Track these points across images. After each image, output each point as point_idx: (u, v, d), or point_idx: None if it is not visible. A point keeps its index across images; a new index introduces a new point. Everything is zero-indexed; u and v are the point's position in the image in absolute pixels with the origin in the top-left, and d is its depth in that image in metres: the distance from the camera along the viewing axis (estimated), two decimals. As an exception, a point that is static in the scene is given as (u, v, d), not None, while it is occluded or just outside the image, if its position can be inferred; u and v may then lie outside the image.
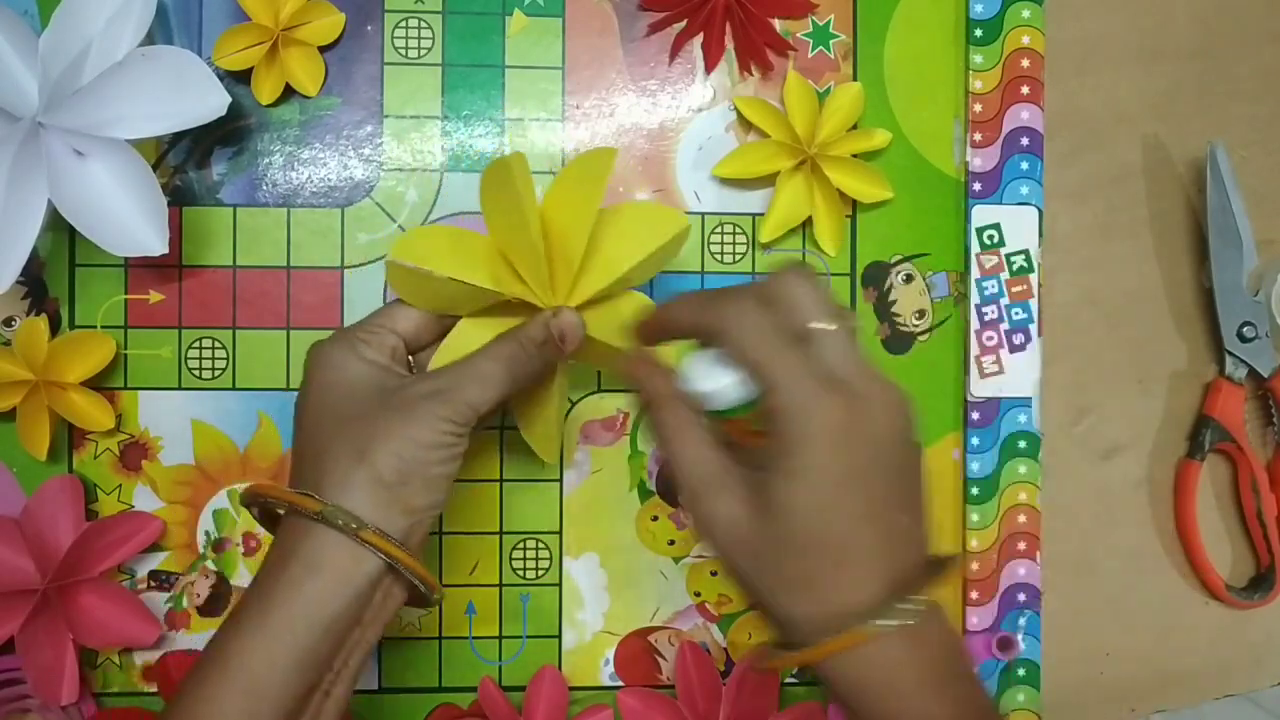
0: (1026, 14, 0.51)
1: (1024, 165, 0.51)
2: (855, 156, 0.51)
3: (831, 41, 0.52)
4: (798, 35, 0.52)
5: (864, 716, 0.35)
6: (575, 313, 0.42)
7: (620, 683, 0.51)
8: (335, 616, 0.36)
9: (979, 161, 0.51)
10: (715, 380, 0.37)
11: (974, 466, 0.51)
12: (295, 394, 0.48)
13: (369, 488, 0.37)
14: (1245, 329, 0.53)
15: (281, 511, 0.39)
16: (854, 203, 0.52)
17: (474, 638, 0.51)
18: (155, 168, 0.49)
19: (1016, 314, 0.51)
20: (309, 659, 0.36)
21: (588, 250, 0.43)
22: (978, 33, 0.51)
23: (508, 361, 0.40)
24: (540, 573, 0.51)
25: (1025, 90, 0.51)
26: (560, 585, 0.51)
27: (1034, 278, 0.51)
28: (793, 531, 0.34)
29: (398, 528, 0.37)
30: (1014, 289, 0.51)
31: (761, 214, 0.51)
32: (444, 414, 0.38)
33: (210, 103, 0.44)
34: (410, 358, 0.44)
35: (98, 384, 0.48)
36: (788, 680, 0.52)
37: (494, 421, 0.50)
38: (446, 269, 0.41)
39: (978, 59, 0.51)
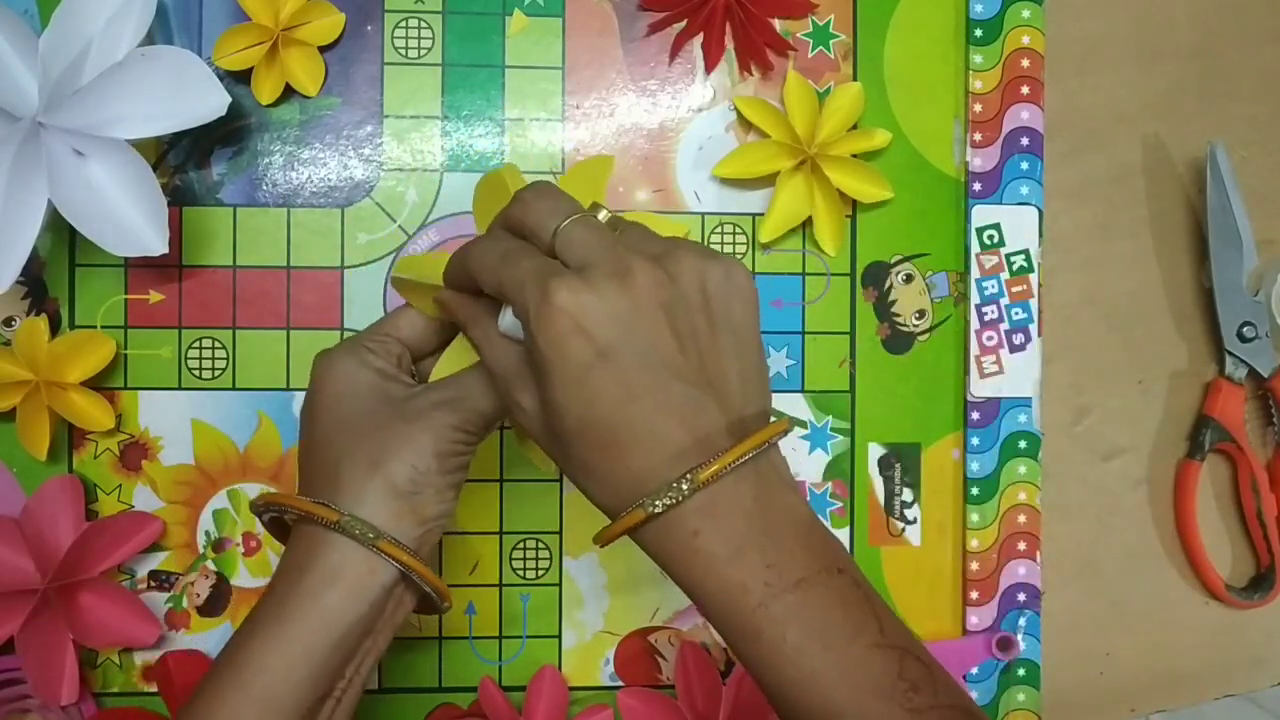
0: (1026, 14, 0.51)
1: (1024, 165, 0.51)
2: (855, 156, 0.51)
3: (831, 41, 0.52)
4: (798, 35, 0.52)
5: (679, 584, 0.34)
6: None
7: (620, 683, 0.51)
8: (351, 626, 0.37)
9: (979, 161, 0.51)
10: (508, 313, 0.37)
11: (974, 466, 0.51)
12: (295, 394, 0.49)
13: (383, 497, 0.37)
14: (1245, 329, 0.53)
15: (292, 520, 0.39)
16: (854, 203, 0.52)
17: (474, 638, 0.51)
18: (155, 168, 0.49)
19: (1016, 314, 0.51)
20: (324, 668, 0.36)
21: None
22: (978, 33, 0.51)
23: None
24: (540, 573, 0.51)
25: (1025, 90, 0.51)
26: (560, 585, 0.51)
27: (1034, 278, 0.51)
28: (561, 425, 0.34)
29: (411, 537, 0.38)
30: (1014, 289, 0.51)
31: (761, 214, 0.51)
32: (454, 423, 0.38)
33: (210, 103, 0.44)
34: (414, 365, 0.44)
35: (98, 384, 0.48)
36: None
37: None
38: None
39: (978, 59, 0.51)
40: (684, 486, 0.33)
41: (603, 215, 0.36)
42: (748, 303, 0.36)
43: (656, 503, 0.33)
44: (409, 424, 0.38)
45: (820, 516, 0.52)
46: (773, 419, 0.36)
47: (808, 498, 0.52)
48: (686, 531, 0.33)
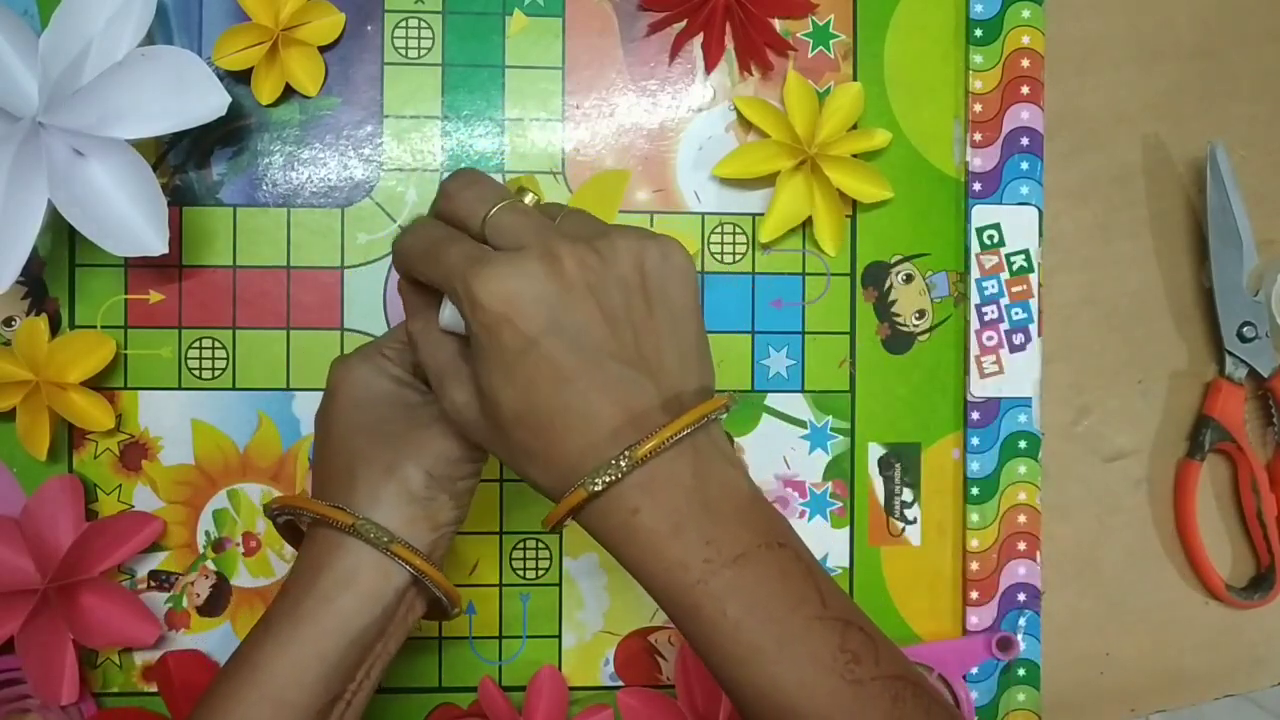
0: (1026, 14, 0.51)
1: (1024, 165, 0.51)
2: (855, 156, 0.51)
3: (831, 41, 0.52)
4: (798, 35, 0.52)
5: (622, 564, 0.35)
6: None
7: (620, 683, 0.51)
8: (364, 630, 0.37)
9: (979, 161, 0.51)
10: (448, 306, 0.37)
11: (974, 466, 0.51)
12: (295, 394, 0.49)
13: (398, 502, 0.37)
14: (1245, 329, 0.53)
15: (306, 524, 0.40)
16: (854, 203, 0.52)
17: (474, 638, 0.51)
18: (155, 168, 0.49)
19: (1016, 314, 0.51)
20: (336, 671, 0.37)
21: None
22: (978, 33, 0.51)
23: None
24: (540, 573, 0.51)
25: (1025, 90, 0.51)
26: (560, 585, 0.51)
27: (1034, 278, 0.51)
28: (498, 413, 0.34)
29: (425, 542, 0.38)
30: (1014, 289, 0.51)
31: (761, 214, 0.51)
32: None
33: (210, 103, 0.44)
34: None
35: (98, 384, 0.48)
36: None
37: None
38: None
39: (978, 59, 0.51)
40: (622, 464, 0.33)
41: (529, 199, 0.37)
42: (685, 281, 0.36)
43: (596, 481, 0.33)
44: (423, 430, 0.38)
45: (821, 516, 0.52)
46: (717, 396, 0.36)
47: (808, 498, 0.52)
48: (626, 509, 0.34)
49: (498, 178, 0.50)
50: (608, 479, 0.33)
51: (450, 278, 0.34)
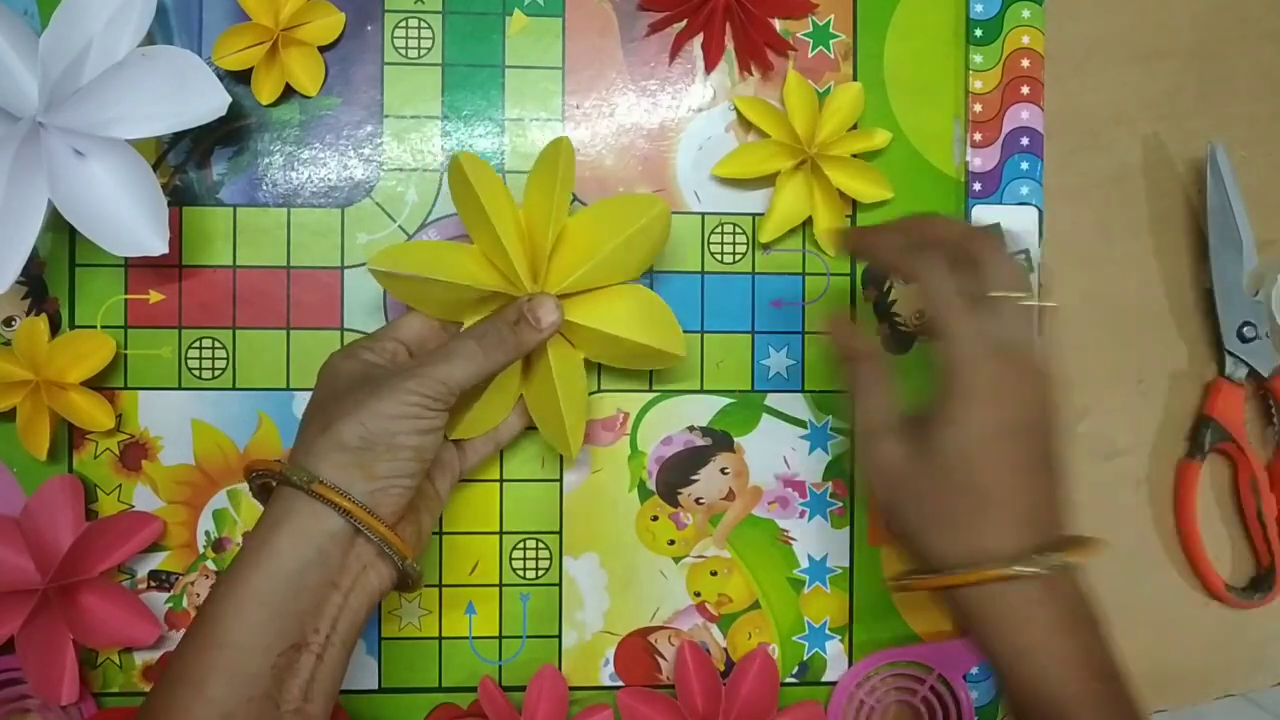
0: (1026, 14, 0.51)
1: (1024, 165, 0.51)
2: (855, 156, 0.51)
3: (831, 41, 0.52)
4: (798, 35, 0.52)
5: (993, 648, 0.39)
6: (551, 296, 0.44)
7: (620, 683, 0.51)
8: (299, 570, 0.38)
9: (979, 161, 0.51)
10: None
11: (974, 466, 0.51)
12: (295, 394, 0.50)
13: (330, 452, 0.39)
14: (1245, 329, 0.53)
15: (260, 483, 0.42)
16: (854, 203, 0.52)
17: (474, 638, 0.51)
18: (155, 168, 0.49)
19: (1016, 314, 0.51)
20: (282, 615, 0.37)
21: (567, 242, 0.45)
22: (978, 33, 0.51)
23: (480, 338, 0.42)
24: (540, 573, 0.51)
25: (1025, 90, 0.51)
26: (560, 585, 0.51)
27: (1034, 278, 0.51)
28: (946, 472, 0.39)
29: (359, 491, 0.39)
30: (1014, 289, 0.51)
31: (761, 214, 0.51)
32: (411, 386, 0.40)
33: (210, 103, 0.44)
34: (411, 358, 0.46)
35: (98, 384, 0.48)
36: (787, 680, 0.52)
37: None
38: (426, 271, 0.43)
39: (978, 59, 0.51)
40: (1047, 559, 0.38)
41: (1030, 297, 0.41)
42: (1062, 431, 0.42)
43: (1023, 568, 0.38)
44: (366, 389, 0.40)
45: (821, 516, 0.52)
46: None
47: (808, 498, 0.52)
48: (1025, 599, 0.38)
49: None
50: (1026, 569, 0.38)
51: (965, 340, 0.39)
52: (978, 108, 0.51)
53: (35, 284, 0.49)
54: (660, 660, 0.51)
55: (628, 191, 0.51)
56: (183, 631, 0.49)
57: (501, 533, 0.51)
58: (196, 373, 0.49)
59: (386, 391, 0.39)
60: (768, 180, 0.51)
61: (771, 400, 0.52)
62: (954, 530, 0.39)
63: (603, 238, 0.44)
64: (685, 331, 0.51)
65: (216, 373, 0.50)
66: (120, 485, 0.49)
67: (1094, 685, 0.38)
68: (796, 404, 0.52)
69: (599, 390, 0.51)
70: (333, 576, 0.39)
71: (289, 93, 0.49)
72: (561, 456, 0.50)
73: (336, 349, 0.49)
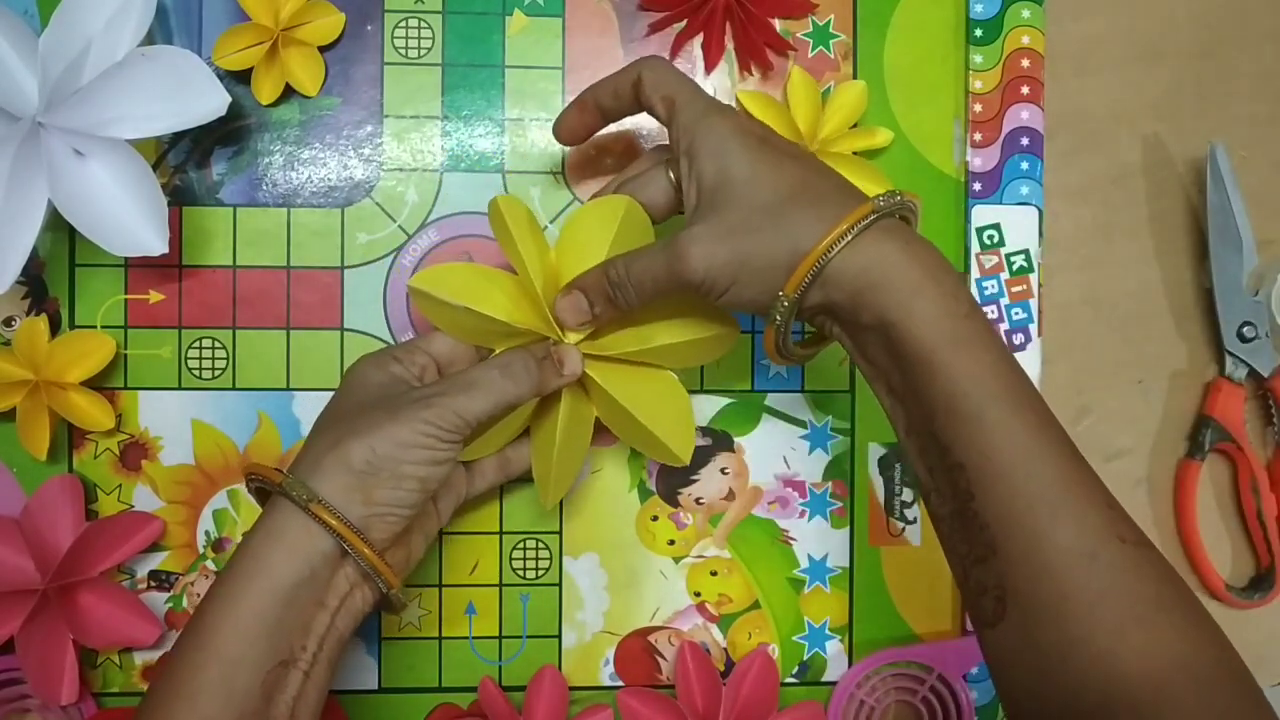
0: (1026, 14, 0.51)
1: (1024, 165, 0.51)
2: (856, 154, 0.51)
3: (831, 41, 0.52)
4: (798, 35, 0.52)
5: (877, 311, 0.37)
6: (577, 350, 0.43)
7: (620, 683, 0.51)
8: (292, 586, 0.38)
9: (979, 161, 0.51)
10: None
11: (974, 466, 0.51)
12: (295, 394, 0.50)
13: (334, 472, 0.38)
14: (1245, 329, 0.53)
15: (258, 488, 0.42)
16: (854, 203, 0.52)
17: (474, 638, 0.51)
18: (155, 168, 0.49)
19: (1016, 314, 0.51)
20: (274, 628, 0.37)
21: (563, 271, 0.44)
22: (978, 33, 0.51)
23: (501, 370, 0.41)
24: (540, 573, 0.51)
25: (1025, 90, 0.51)
26: (560, 585, 0.51)
27: (1034, 278, 0.51)
28: (753, 193, 0.39)
29: (355, 514, 0.38)
30: (1014, 289, 0.51)
31: (761, 214, 0.51)
32: (427, 416, 0.39)
33: (210, 103, 0.44)
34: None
35: (98, 384, 0.48)
36: (787, 680, 0.52)
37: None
38: (464, 300, 0.42)
39: (978, 59, 0.51)
40: (898, 198, 0.38)
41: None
42: None
43: (878, 202, 0.38)
44: (383, 412, 0.39)
45: (821, 516, 0.52)
46: None
47: (808, 498, 0.52)
48: (884, 253, 0.37)
49: (497, 178, 0.50)
50: (892, 204, 0.38)
51: (694, 94, 0.41)
52: (978, 108, 0.51)
53: (35, 284, 0.49)
54: (660, 660, 0.51)
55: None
56: (178, 632, 0.49)
57: (501, 533, 0.51)
58: (196, 373, 0.49)
59: (403, 418, 0.39)
60: (768, 180, 0.51)
61: (771, 400, 0.52)
62: (781, 225, 0.38)
63: (587, 256, 0.44)
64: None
65: (216, 373, 0.50)
66: (120, 485, 0.49)
67: (971, 323, 0.37)
68: (796, 404, 0.52)
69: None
70: (321, 595, 0.39)
71: (289, 93, 0.49)
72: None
73: (348, 351, 0.49)
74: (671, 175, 0.43)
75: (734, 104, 0.51)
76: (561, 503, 0.51)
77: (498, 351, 0.45)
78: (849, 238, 0.37)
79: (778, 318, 0.39)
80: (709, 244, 0.39)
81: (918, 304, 0.37)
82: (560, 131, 0.46)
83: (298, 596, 0.38)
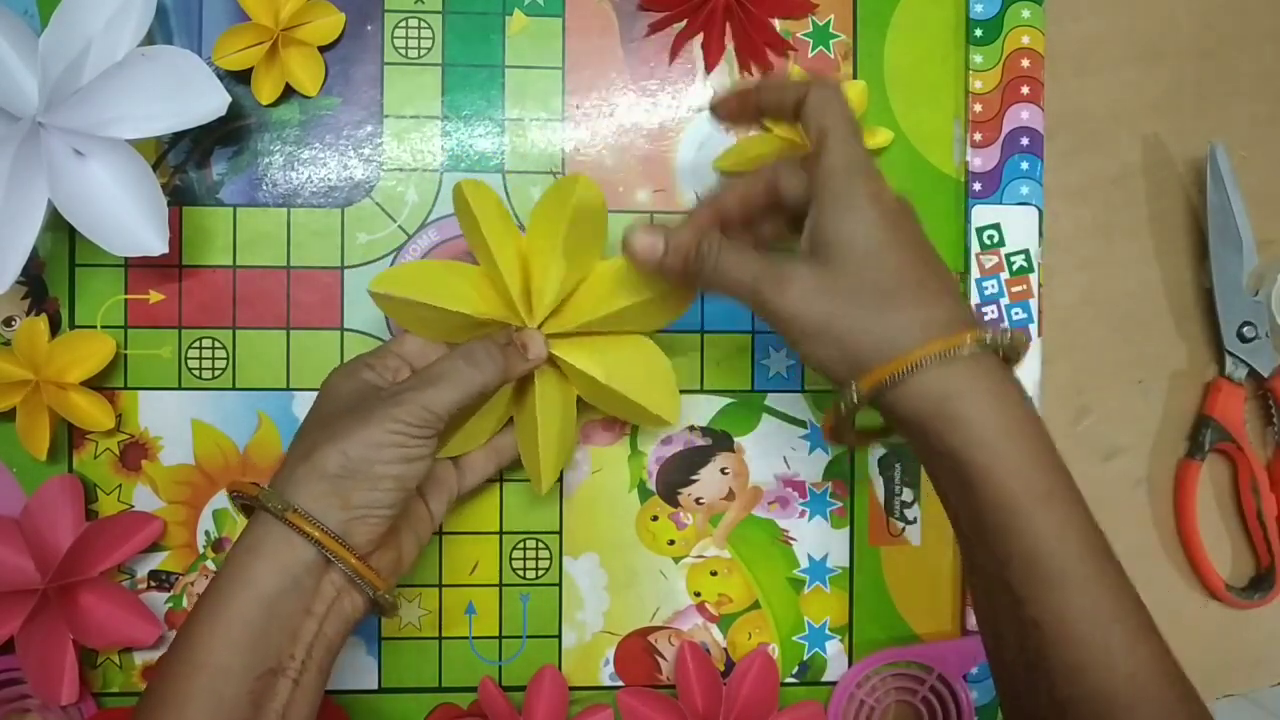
0: (1026, 14, 0.51)
1: (1024, 165, 0.51)
2: (855, 156, 0.51)
3: (831, 41, 0.52)
4: (798, 35, 0.52)
5: (946, 443, 0.36)
6: (540, 333, 0.44)
7: (620, 683, 0.51)
8: (276, 597, 0.38)
9: (979, 161, 0.51)
10: None
11: (974, 466, 0.51)
12: (295, 394, 0.50)
13: (308, 480, 0.39)
14: (1245, 329, 0.53)
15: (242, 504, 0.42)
16: (854, 203, 0.52)
17: (474, 638, 0.51)
18: (155, 168, 0.49)
19: (1016, 314, 0.51)
20: (260, 639, 0.37)
21: (589, 287, 0.44)
22: (978, 33, 0.51)
23: (465, 360, 0.41)
24: (540, 573, 0.51)
25: (1025, 90, 0.51)
26: (560, 585, 0.51)
27: (1034, 278, 0.51)
28: (860, 270, 0.37)
29: (334, 520, 0.39)
30: (1014, 289, 0.51)
31: (761, 214, 0.51)
32: (396, 414, 0.39)
33: (210, 103, 0.44)
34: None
35: (98, 384, 0.48)
36: (787, 680, 0.52)
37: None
38: (423, 296, 0.42)
39: (978, 59, 0.51)
40: (986, 338, 0.37)
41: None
42: None
43: (974, 334, 0.36)
44: (354, 416, 0.39)
45: (821, 516, 0.52)
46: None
47: (808, 498, 0.52)
48: (976, 375, 0.36)
49: (498, 178, 0.50)
50: (983, 334, 0.37)
51: (848, 144, 0.39)
52: (978, 108, 0.51)
53: (35, 284, 0.49)
54: (660, 660, 0.51)
55: (627, 192, 0.51)
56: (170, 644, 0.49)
57: (501, 533, 0.51)
58: (196, 373, 0.49)
59: (373, 419, 0.39)
60: (768, 180, 0.51)
61: (771, 400, 0.52)
62: (886, 314, 0.37)
63: (621, 295, 0.44)
64: (685, 331, 0.51)
65: (216, 373, 0.50)
66: (120, 485, 0.49)
67: (1057, 476, 0.36)
68: (796, 404, 0.52)
69: (599, 390, 0.51)
70: (307, 604, 0.39)
71: (289, 93, 0.49)
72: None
73: (348, 351, 0.49)
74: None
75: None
76: (561, 503, 0.51)
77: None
78: (951, 355, 0.36)
79: (843, 406, 0.38)
80: (812, 290, 0.38)
81: (1008, 448, 0.36)
82: (717, 107, 0.44)
83: (283, 605, 0.38)
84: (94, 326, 0.49)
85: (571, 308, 0.44)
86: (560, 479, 0.51)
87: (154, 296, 0.49)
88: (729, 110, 0.44)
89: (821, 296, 0.38)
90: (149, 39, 0.46)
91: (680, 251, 0.41)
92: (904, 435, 0.39)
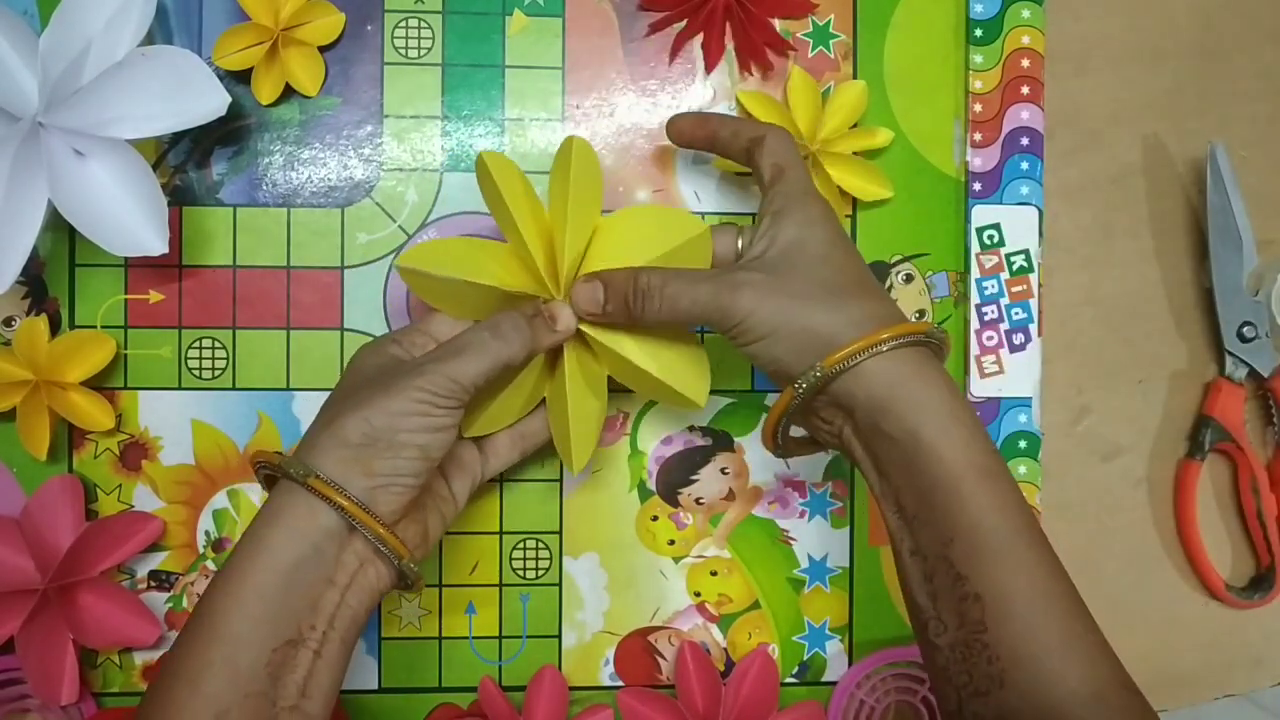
0: (1026, 14, 0.51)
1: (1024, 165, 0.51)
2: (856, 154, 0.51)
3: (831, 41, 0.52)
4: (798, 35, 0.52)
5: (890, 426, 0.38)
6: (569, 305, 0.43)
7: (620, 683, 0.51)
8: (294, 563, 0.38)
9: (979, 161, 0.51)
10: None
11: (974, 466, 0.51)
12: (295, 394, 0.50)
13: (331, 448, 0.39)
14: (1245, 329, 0.53)
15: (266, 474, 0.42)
16: (854, 201, 0.52)
17: (474, 638, 0.51)
18: (155, 168, 0.49)
19: (1016, 314, 0.51)
20: (279, 609, 0.37)
21: (597, 248, 0.44)
22: (978, 33, 0.51)
23: (491, 331, 0.41)
24: (540, 573, 0.51)
25: (1025, 90, 0.51)
26: (560, 585, 0.51)
27: (1034, 278, 0.51)
28: (811, 270, 0.40)
29: (357, 488, 0.38)
30: (1014, 289, 0.51)
31: (761, 214, 0.51)
32: (420, 384, 0.39)
33: (210, 103, 0.45)
34: None
35: (98, 384, 0.48)
36: (787, 680, 0.52)
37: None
38: (453, 271, 0.42)
39: (978, 59, 0.51)
40: (935, 329, 0.40)
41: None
42: None
43: (917, 324, 0.39)
44: (378, 386, 0.40)
45: (821, 516, 0.52)
46: None
47: (808, 498, 0.52)
48: (919, 363, 0.39)
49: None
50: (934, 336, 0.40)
51: (800, 170, 0.44)
52: (978, 108, 0.51)
53: (35, 284, 0.49)
54: (660, 660, 0.51)
55: (627, 192, 0.51)
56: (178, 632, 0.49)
57: (501, 533, 0.51)
58: (196, 373, 0.50)
59: (396, 389, 0.39)
60: (768, 180, 0.51)
61: (771, 400, 0.52)
62: (839, 306, 0.39)
63: (634, 250, 0.43)
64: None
65: (216, 373, 0.50)
66: (120, 485, 0.49)
67: (995, 456, 0.38)
68: (796, 404, 0.52)
69: (599, 390, 0.51)
70: (329, 573, 0.38)
71: (289, 93, 0.49)
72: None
73: (347, 350, 0.49)
74: (740, 241, 0.44)
75: (734, 104, 0.51)
76: (561, 502, 0.51)
77: None
78: (899, 342, 0.38)
79: (802, 386, 0.39)
80: (763, 291, 0.40)
81: (953, 428, 0.38)
82: (673, 129, 0.47)
83: (302, 574, 0.38)
84: (94, 326, 0.49)
85: (585, 270, 0.44)
86: (560, 479, 0.51)
87: (154, 296, 0.49)
88: (682, 131, 0.47)
89: (774, 296, 0.40)
90: (149, 39, 0.46)
91: (620, 293, 0.42)
92: (847, 432, 0.41)
